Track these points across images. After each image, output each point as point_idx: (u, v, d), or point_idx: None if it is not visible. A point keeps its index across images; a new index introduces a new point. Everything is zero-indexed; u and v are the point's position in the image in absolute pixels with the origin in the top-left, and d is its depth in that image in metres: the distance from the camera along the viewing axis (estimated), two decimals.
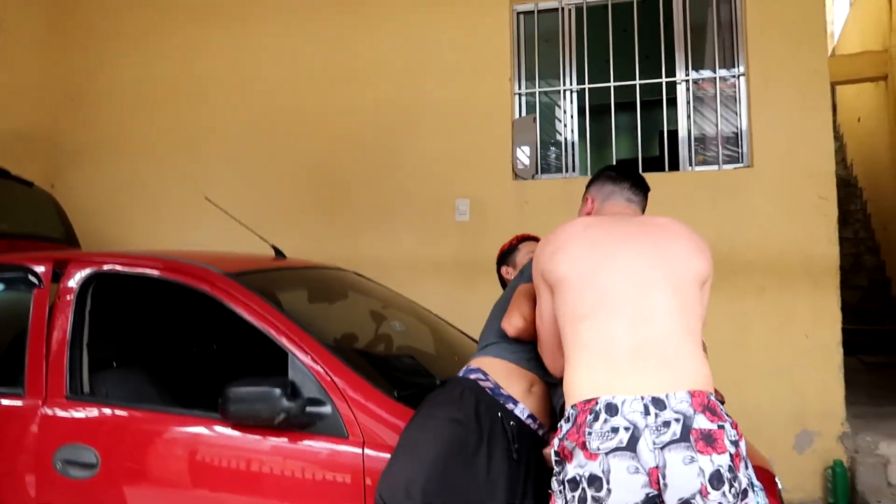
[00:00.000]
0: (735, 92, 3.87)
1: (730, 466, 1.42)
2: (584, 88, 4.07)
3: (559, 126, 4.20)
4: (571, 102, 4.15)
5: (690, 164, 3.90)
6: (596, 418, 1.46)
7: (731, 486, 1.41)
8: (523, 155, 4.04)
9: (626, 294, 1.60)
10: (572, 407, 1.53)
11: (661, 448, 1.42)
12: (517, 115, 4.13)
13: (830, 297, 3.55)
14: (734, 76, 3.87)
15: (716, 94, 3.90)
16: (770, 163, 3.69)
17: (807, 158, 3.64)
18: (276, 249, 2.97)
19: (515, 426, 1.84)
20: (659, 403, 1.46)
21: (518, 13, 4.21)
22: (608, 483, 1.41)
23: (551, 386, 1.97)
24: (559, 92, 4.16)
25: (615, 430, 1.44)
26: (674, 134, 3.99)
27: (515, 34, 4.20)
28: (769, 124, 3.71)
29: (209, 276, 2.30)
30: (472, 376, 1.94)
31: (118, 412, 2.20)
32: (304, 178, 4.38)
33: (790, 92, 3.68)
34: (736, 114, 3.86)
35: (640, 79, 3.98)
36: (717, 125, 3.90)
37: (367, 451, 1.92)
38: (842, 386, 3.57)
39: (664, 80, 3.96)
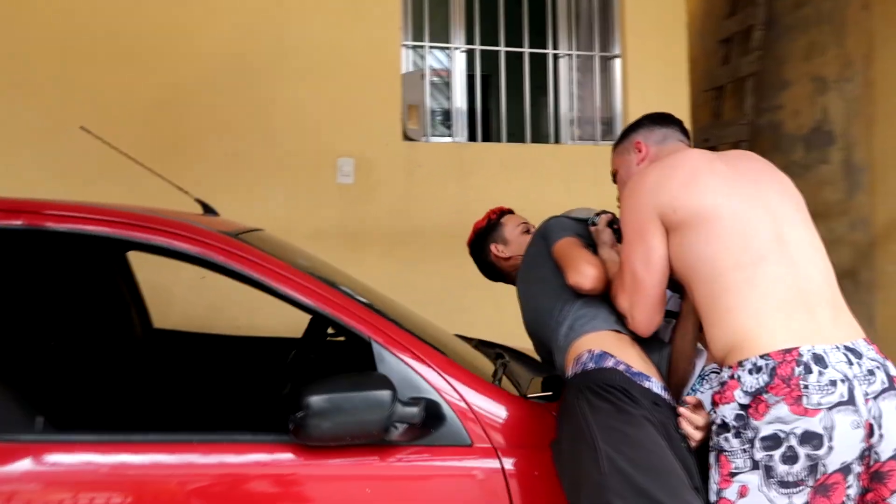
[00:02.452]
0: (610, 73, 4.05)
1: None
2: (475, 49, 3.87)
3: (446, 89, 3.93)
4: (459, 65, 3.90)
5: (572, 138, 4.00)
6: (808, 370, 1.34)
7: None
8: (413, 113, 3.69)
9: (779, 237, 1.49)
10: (762, 357, 1.37)
11: (874, 398, 1.35)
12: (405, 70, 3.75)
13: None
14: (611, 57, 4.06)
15: (593, 72, 4.05)
16: None
17: None
18: (205, 205, 2.23)
19: (664, 408, 1.55)
20: (854, 352, 1.38)
21: None
22: (831, 440, 1.31)
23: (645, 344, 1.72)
24: (447, 52, 3.89)
25: (833, 382, 1.33)
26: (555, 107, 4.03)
27: None
28: (640, 106, 3.96)
29: (213, 237, 1.61)
30: (609, 363, 1.56)
31: None
32: (138, 117, 3.38)
33: (657, 79, 3.98)
34: (610, 94, 4.05)
35: (528, 48, 3.93)
36: (595, 102, 4.05)
37: (504, 459, 1.53)
38: None
39: (551, 51, 3.97)
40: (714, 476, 1.42)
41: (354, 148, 3.58)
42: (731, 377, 1.40)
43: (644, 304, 1.59)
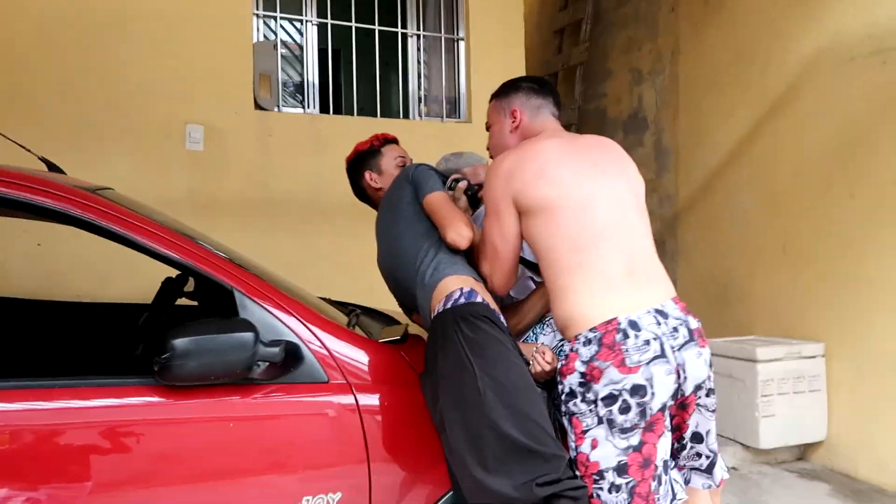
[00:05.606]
0: (455, 55, 4.31)
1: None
2: (326, 23, 3.95)
3: (297, 62, 3.98)
4: (311, 37, 3.96)
5: (419, 115, 4.21)
6: (626, 336, 1.60)
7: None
8: (264, 83, 3.72)
9: (616, 220, 1.74)
10: (591, 330, 1.63)
11: (679, 349, 1.65)
12: (256, 40, 3.75)
13: None
14: (456, 39, 4.31)
15: (440, 52, 4.28)
16: (483, 120, 4.25)
17: None
18: (49, 163, 2.19)
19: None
20: (662, 313, 1.66)
21: None
22: (652, 388, 1.59)
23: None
24: (298, 25, 3.93)
25: (647, 342, 1.60)
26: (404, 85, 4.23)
27: None
28: (482, 87, 4.26)
29: (72, 192, 1.63)
30: (478, 299, 1.75)
31: None
32: None
33: (498, 62, 4.30)
34: (455, 74, 4.31)
35: (378, 26, 4.08)
36: (441, 82, 4.29)
37: (358, 395, 1.71)
38: None
39: (400, 30, 4.14)
40: (570, 436, 1.65)
41: (204, 115, 3.56)
42: (571, 350, 1.65)
43: (501, 270, 1.84)
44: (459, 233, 1.85)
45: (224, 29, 3.61)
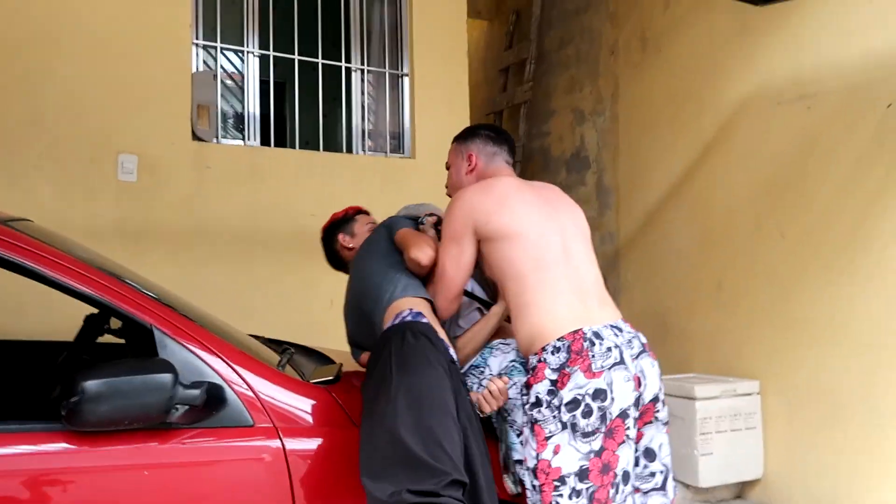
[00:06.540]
0: (399, 90, 4.31)
1: None
2: (269, 56, 3.90)
3: (238, 92, 3.91)
4: (253, 69, 3.90)
5: (363, 150, 4.18)
6: (592, 343, 1.73)
7: None
8: (203, 114, 3.64)
9: (566, 250, 1.90)
10: (559, 340, 1.74)
11: (635, 358, 1.79)
12: (195, 69, 3.67)
13: None
14: (400, 75, 4.32)
15: (384, 87, 4.27)
16: (426, 156, 4.26)
17: None
18: None
19: (456, 373, 1.80)
20: (617, 328, 1.81)
21: None
22: (612, 392, 1.70)
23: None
24: (240, 55, 3.86)
25: (609, 349, 1.74)
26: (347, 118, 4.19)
27: None
28: (427, 123, 4.28)
29: None
30: (423, 320, 1.82)
31: None
32: None
33: (442, 98, 4.32)
34: (399, 110, 4.31)
35: (322, 59, 4.05)
36: (386, 117, 4.28)
37: (285, 439, 1.63)
38: None
39: (344, 64, 4.12)
40: (531, 444, 1.73)
41: (138, 144, 3.44)
42: (540, 361, 1.75)
43: (447, 292, 1.95)
44: (421, 250, 1.96)
45: (162, 56, 3.53)
